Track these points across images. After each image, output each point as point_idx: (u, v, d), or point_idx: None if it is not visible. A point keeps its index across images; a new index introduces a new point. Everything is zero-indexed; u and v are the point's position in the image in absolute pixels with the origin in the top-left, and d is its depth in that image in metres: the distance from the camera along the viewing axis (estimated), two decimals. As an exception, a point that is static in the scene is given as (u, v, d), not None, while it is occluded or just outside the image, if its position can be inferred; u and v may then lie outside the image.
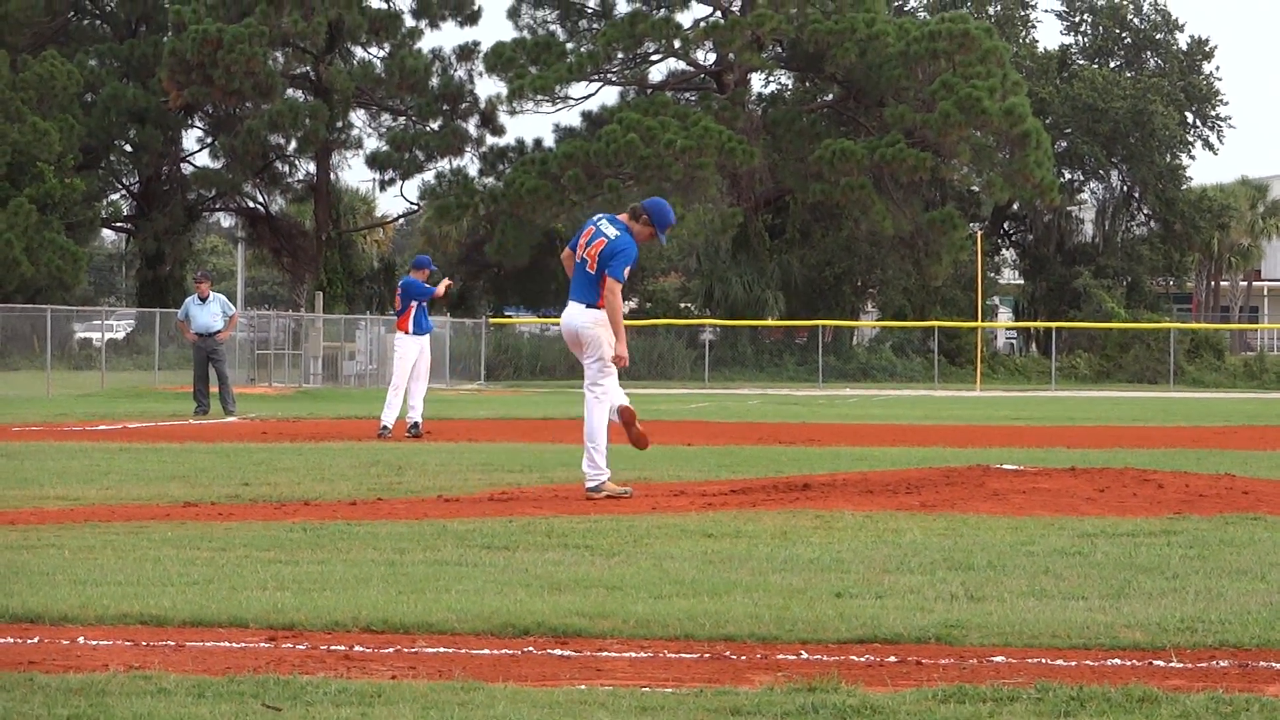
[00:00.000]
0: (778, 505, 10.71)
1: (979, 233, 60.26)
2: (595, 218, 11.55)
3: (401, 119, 57.97)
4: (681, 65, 59.05)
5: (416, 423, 19.69)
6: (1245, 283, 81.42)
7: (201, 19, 52.18)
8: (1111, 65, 68.81)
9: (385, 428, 19.51)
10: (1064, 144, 66.02)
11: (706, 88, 58.60)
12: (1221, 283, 78.41)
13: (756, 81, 61.74)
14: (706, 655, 5.99)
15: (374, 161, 58.12)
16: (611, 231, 11.26)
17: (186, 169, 59.57)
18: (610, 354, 11.28)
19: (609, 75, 58.00)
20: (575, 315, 11.34)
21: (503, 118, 58.05)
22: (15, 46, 51.57)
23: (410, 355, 19.92)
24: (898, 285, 61.15)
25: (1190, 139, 68.55)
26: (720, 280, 57.21)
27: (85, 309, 52.34)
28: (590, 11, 58.95)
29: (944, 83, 53.47)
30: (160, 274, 57.36)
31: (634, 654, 6.00)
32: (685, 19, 57.19)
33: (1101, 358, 59.18)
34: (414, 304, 20.03)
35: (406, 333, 20.01)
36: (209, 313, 25.04)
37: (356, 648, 6.09)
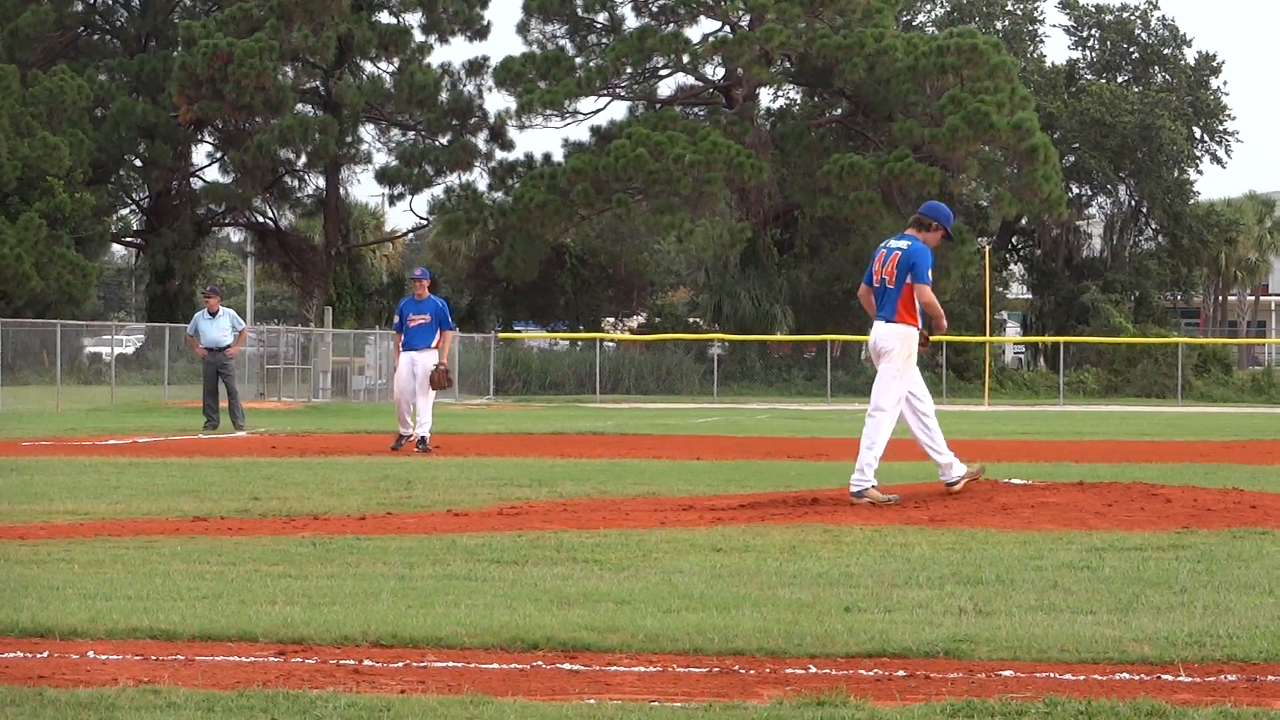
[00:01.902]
0: (786, 520, 10.72)
1: (987, 247, 60.22)
2: (880, 245, 11.85)
3: (411, 134, 58.08)
4: (690, 80, 59.12)
5: (424, 437, 19.70)
6: (1253, 297, 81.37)
7: (212, 34, 52.35)
8: (1119, 80, 68.81)
9: (402, 437, 19.71)
10: (1072, 159, 66.00)
11: (715, 102, 58.65)
12: (1229, 297, 78.35)
13: (765, 96, 61.87)
14: (715, 669, 5.99)
15: (383, 176, 58.23)
16: (902, 244, 11.64)
17: (196, 184, 59.65)
18: (902, 364, 11.69)
19: (618, 90, 58.07)
20: (876, 330, 11.82)
21: (512, 132, 58.24)
22: (26, 61, 51.71)
23: (403, 373, 19.93)
24: (906, 300, 61.03)
25: (1198, 154, 68.53)
26: (729, 295, 57.22)
27: (95, 324, 52.43)
28: (599, 26, 59.01)
29: (952, 98, 53.50)
30: (170, 289, 57.43)
31: (643, 668, 6.01)
32: (694, 34, 57.32)
33: (1109, 372, 59.11)
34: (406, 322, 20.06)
35: (399, 351, 20.09)
36: (218, 327, 25.06)
37: (366, 662, 6.10)
